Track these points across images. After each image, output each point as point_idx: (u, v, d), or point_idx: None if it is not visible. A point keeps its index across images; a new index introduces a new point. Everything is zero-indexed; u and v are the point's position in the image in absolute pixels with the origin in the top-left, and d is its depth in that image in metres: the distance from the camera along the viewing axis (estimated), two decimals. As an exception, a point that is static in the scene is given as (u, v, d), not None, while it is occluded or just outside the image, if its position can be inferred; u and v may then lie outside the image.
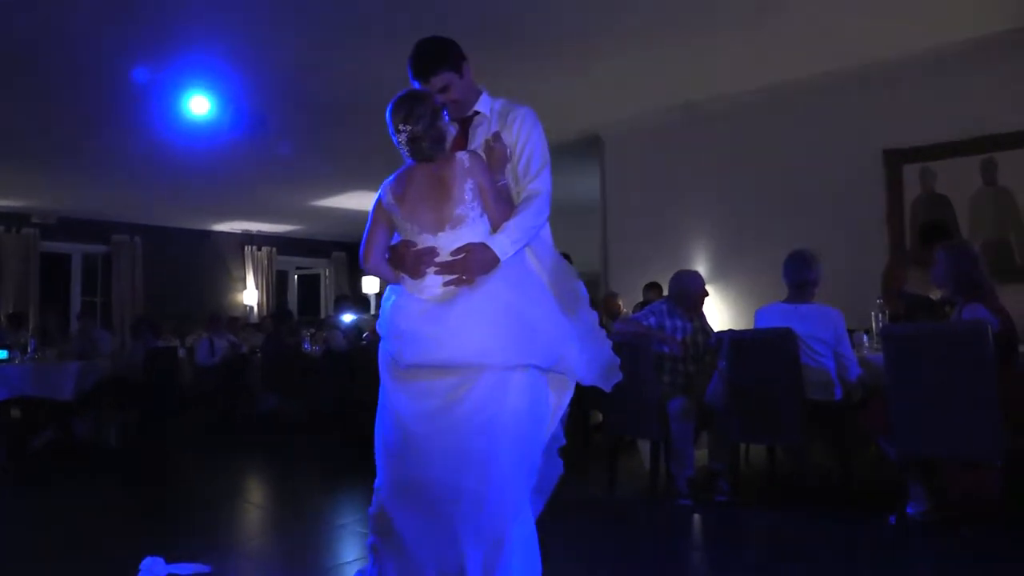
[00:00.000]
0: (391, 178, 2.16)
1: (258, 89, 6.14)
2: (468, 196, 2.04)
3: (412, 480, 2.02)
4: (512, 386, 1.96)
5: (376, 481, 2.14)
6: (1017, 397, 3.11)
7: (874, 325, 4.22)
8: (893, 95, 5.62)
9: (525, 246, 2.12)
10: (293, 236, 13.63)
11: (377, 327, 2.17)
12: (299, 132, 7.32)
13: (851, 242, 5.57)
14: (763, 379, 3.77)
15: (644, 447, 4.54)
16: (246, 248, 13.16)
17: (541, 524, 2.10)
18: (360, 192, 9.77)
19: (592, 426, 5.86)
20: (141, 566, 2.86)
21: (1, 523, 4.18)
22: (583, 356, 2.10)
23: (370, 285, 11.60)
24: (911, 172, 5.62)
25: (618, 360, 2.19)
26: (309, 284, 14.52)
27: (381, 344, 2.14)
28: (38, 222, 10.83)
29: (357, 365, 5.97)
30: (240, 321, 10.59)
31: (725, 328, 4.79)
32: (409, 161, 2.14)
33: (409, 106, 2.06)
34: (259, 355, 7.94)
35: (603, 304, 6.63)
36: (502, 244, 2.03)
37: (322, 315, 13.23)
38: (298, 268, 14.31)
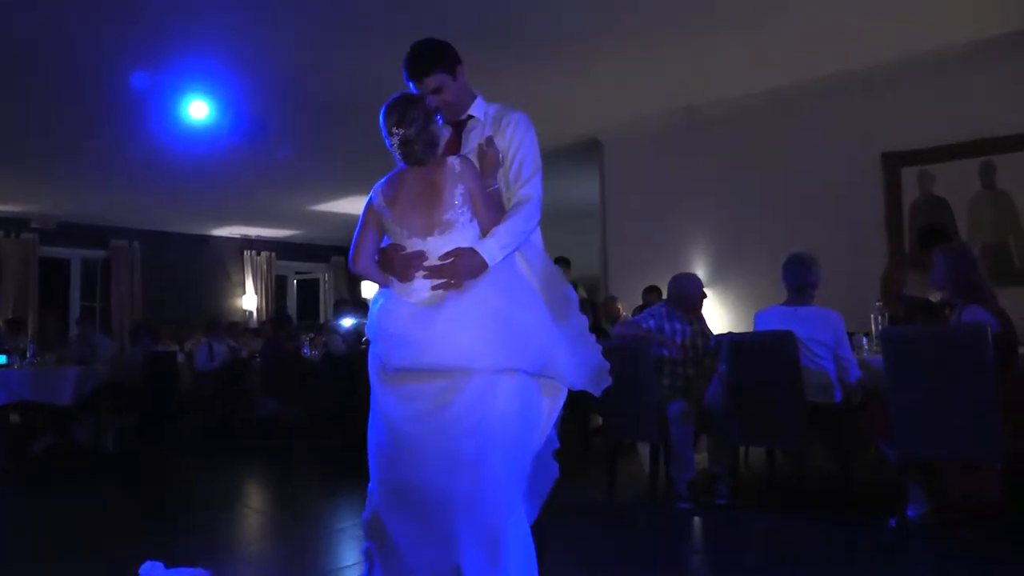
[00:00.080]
0: (383, 180, 2.16)
1: (257, 91, 6.14)
2: (458, 201, 2.04)
3: (404, 483, 2.02)
4: (501, 390, 1.96)
5: (369, 485, 2.14)
6: (1017, 400, 3.11)
7: (873, 328, 4.22)
8: (893, 98, 5.62)
9: (515, 251, 2.11)
10: (292, 241, 13.63)
11: (366, 330, 2.17)
12: (298, 133, 7.32)
13: (850, 245, 5.57)
14: (763, 382, 3.77)
15: (644, 450, 4.54)
16: (245, 253, 13.16)
17: (540, 527, 2.09)
18: (359, 196, 9.65)
19: (592, 429, 5.85)
20: (140, 570, 2.85)
21: (1, 523, 4.19)
22: (572, 360, 2.09)
23: (369, 290, 11.59)
24: (910, 175, 5.62)
25: (608, 365, 2.19)
26: (308, 289, 14.51)
27: (370, 347, 2.14)
28: (37, 227, 10.83)
29: (356, 369, 5.94)
30: (239, 326, 10.59)
31: (725, 331, 4.79)
32: (401, 164, 2.14)
33: (403, 109, 2.06)
34: (258, 360, 7.96)
35: (603, 307, 6.65)
36: (491, 249, 2.03)
37: (321, 320, 13.22)
38: (297, 273, 14.30)
